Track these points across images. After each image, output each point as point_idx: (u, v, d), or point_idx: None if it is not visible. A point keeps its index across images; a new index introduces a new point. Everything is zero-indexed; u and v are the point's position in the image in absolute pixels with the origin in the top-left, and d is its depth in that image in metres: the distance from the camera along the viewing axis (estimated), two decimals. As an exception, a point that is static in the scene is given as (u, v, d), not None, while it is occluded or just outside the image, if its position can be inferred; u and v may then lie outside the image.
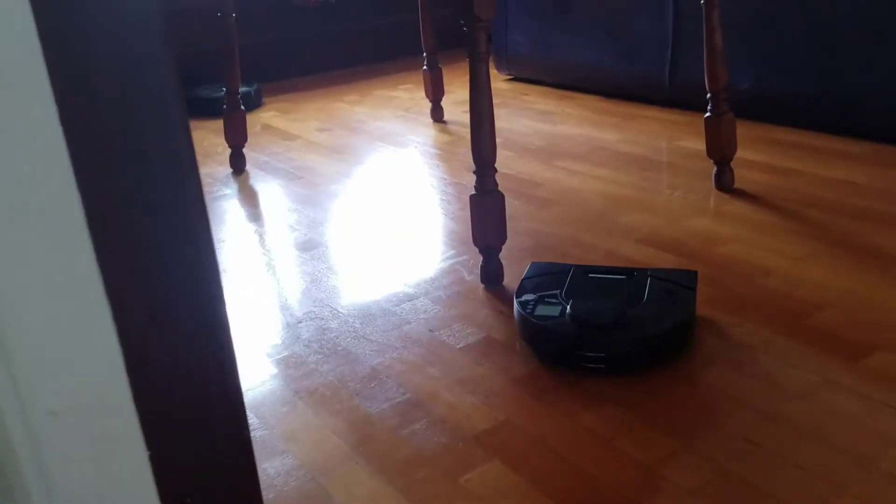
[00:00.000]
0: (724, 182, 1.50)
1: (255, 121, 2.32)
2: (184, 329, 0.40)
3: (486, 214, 1.16)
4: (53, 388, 0.37)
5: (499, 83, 2.56)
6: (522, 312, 1.02)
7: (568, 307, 1.00)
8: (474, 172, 1.16)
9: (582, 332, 0.95)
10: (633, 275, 1.08)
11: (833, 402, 0.87)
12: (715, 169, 1.51)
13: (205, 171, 1.87)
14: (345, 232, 1.45)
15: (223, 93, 2.11)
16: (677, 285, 1.06)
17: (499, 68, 2.59)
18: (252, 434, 0.89)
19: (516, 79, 2.59)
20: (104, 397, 0.39)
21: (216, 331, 0.41)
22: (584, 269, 1.10)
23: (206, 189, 1.74)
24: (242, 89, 2.25)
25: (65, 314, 0.37)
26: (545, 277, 1.10)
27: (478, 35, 1.11)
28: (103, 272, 0.37)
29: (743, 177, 1.54)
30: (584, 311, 0.97)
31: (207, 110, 2.39)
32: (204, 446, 0.44)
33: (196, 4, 2.61)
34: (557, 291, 1.05)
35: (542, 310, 1.01)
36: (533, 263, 1.15)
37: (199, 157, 1.97)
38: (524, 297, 1.05)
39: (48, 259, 0.36)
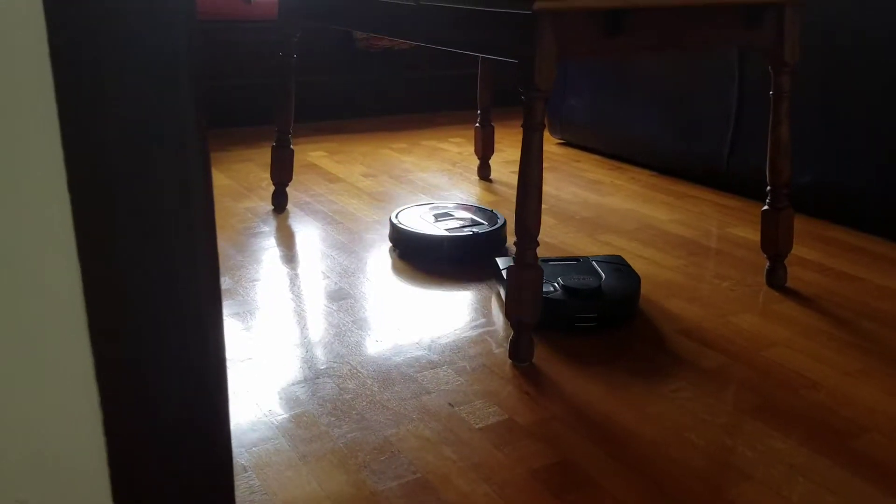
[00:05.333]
0: (777, 279, 1.43)
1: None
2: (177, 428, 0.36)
3: (522, 289, 1.11)
4: (24, 478, 0.33)
5: (551, 146, 2.53)
6: None
7: (556, 284, 1.25)
8: (515, 244, 1.12)
9: (578, 300, 1.22)
10: (580, 260, 1.37)
11: (878, 544, 0.79)
12: (768, 264, 1.44)
13: (247, 205, 1.86)
14: (376, 285, 1.41)
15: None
16: (619, 265, 1.35)
17: (552, 132, 2.56)
18: (251, 498, 0.84)
19: (569, 144, 2.56)
20: (80, 491, 0.35)
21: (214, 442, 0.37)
22: (543, 260, 1.33)
23: (244, 224, 1.72)
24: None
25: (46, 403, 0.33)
26: None
27: (535, 105, 1.07)
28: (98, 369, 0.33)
29: (796, 275, 1.48)
30: (575, 284, 1.24)
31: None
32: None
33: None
34: None
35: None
36: (498, 259, 1.38)
37: (242, 191, 1.96)
38: None
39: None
